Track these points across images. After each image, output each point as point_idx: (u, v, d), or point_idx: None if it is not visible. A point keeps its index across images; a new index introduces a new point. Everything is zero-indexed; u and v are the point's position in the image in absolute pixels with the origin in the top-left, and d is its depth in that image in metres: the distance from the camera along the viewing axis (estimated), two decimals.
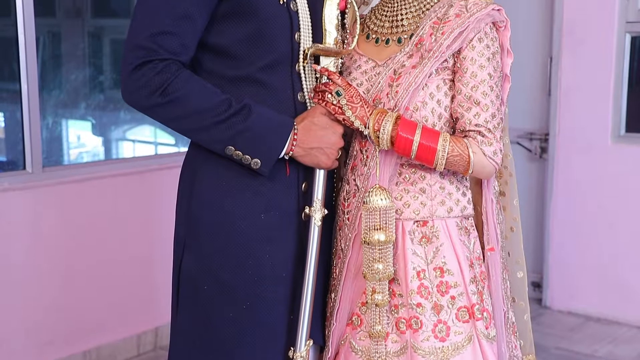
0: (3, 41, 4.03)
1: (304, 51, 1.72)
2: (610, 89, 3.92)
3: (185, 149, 1.88)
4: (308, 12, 1.74)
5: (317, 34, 1.75)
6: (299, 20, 1.71)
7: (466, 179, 1.80)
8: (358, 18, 1.81)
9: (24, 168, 3.28)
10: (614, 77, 3.90)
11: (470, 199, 1.80)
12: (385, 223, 1.67)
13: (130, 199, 3.59)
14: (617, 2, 3.82)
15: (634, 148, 3.92)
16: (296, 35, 1.71)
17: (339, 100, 1.68)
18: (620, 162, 3.94)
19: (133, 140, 5.23)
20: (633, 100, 3.95)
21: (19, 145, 3.34)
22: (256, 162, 1.66)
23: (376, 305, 1.69)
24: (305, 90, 1.74)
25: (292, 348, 1.75)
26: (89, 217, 3.44)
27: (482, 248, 1.82)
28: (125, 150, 5.19)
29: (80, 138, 4.94)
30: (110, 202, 3.52)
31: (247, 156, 1.65)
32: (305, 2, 1.74)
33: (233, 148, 1.64)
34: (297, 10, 1.71)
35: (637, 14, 3.78)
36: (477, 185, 1.84)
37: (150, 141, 5.16)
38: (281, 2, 1.68)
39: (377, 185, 1.69)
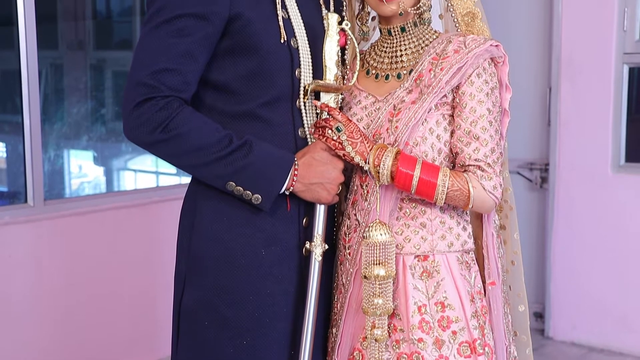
0: (6, 74, 4.06)
1: (304, 87, 1.74)
2: (609, 119, 3.94)
3: (187, 180, 1.90)
4: (308, 49, 1.76)
5: (318, 70, 1.76)
6: (299, 57, 1.73)
7: (466, 213, 1.80)
8: (358, 54, 1.82)
9: (26, 201, 3.29)
10: (613, 108, 3.92)
11: (471, 233, 1.80)
12: (385, 258, 1.68)
13: (132, 231, 3.60)
14: (615, 33, 3.85)
15: (634, 177, 3.92)
16: (297, 72, 1.72)
17: (339, 136, 1.69)
18: (621, 192, 3.95)
19: (134, 170, 5.25)
20: (632, 130, 3.97)
21: (20, 177, 3.36)
22: (257, 198, 1.66)
23: (375, 340, 1.69)
24: (305, 126, 1.76)
25: None
26: (90, 250, 3.44)
27: (483, 282, 1.82)
28: (127, 180, 5.21)
29: (82, 168, 4.96)
30: (112, 234, 3.53)
31: (247, 192, 1.66)
32: (306, 38, 1.76)
33: (234, 184, 1.65)
34: (298, 47, 1.73)
35: (634, 45, 3.81)
36: (478, 219, 1.85)
37: (151, 171, 5.18)
38: (282, 40, 1.70)
39: (377, 220, 1.69)
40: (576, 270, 4.14)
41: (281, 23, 1.70)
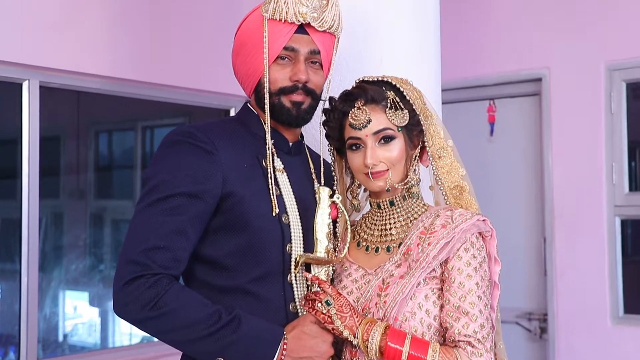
0: (6, 221, 4.09)
1: (295, 260, 1.76)
2: (605, 270, 3.95)
3: None
4: (299, 223, 1.79)
5: (309, 242, 1.79)
6: (290, 232, 1.76)
7: None
8: (349, 226, 1.85)
9: None
10: (608, 259, 3.93)
11: None
12: None
13: None
14: (604, 186, 3.92)
15: (633, 329, 3.88)
16: (287, 247, 1.75)
17: (328, 310, 1.70)
18: (621, 344, 3.89)
19: None
20: (629, 281, 3.96)
21: (15, 338, 3.32)
22: None
23: None
24: (297, 300, 1.76)
25: None
26: None
27: None
28: (122, 323, 5.15)
29: (77, 309, 4.92)
30: None
31: None
32: (297, 213, 1.79)
33: None
34: (289, 222, 1.76)
35: (624, 198, 3.88)
36: None
37: None
38: (273, 214, 1.74)
39: None
40: None
41: (273, 198, 1.74)
